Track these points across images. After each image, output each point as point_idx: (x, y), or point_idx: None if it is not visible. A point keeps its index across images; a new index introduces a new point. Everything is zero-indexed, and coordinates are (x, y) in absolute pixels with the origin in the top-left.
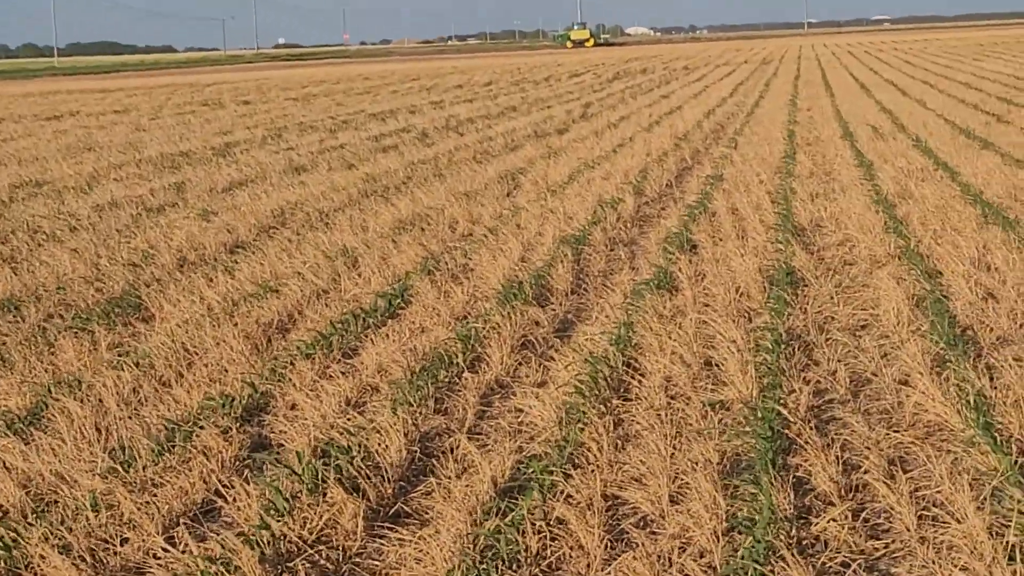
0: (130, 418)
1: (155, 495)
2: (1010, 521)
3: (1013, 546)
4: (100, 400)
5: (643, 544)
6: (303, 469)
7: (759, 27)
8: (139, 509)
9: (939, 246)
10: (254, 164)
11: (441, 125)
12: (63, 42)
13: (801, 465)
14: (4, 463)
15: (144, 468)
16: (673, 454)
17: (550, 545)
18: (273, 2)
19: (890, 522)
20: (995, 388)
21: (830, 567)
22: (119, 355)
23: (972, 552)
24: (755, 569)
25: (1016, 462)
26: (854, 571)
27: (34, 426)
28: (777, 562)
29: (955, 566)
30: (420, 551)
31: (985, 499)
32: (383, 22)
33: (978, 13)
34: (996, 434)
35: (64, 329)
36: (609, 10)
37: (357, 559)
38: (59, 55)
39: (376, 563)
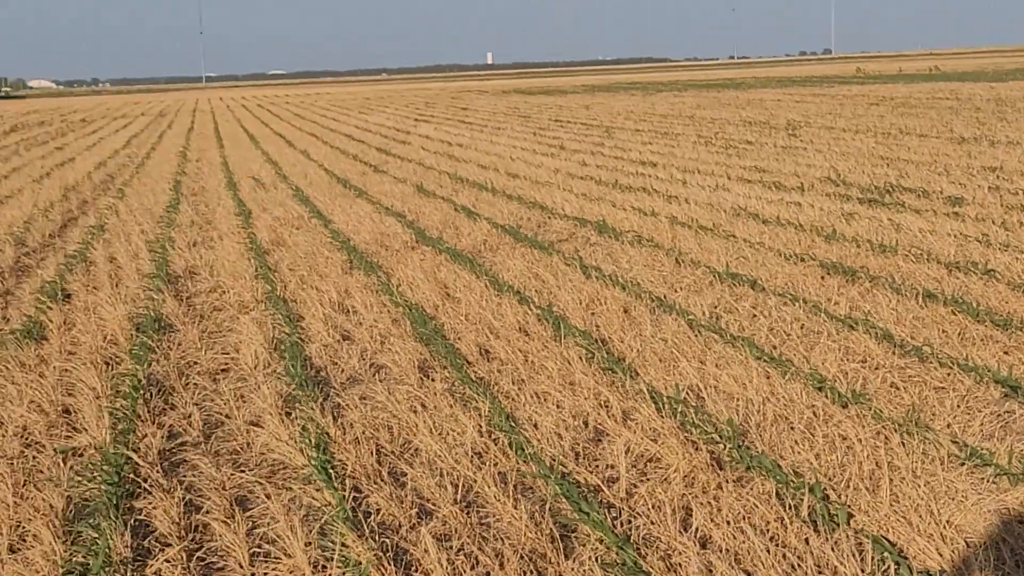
0: None
1: None
2: (333, 554)
3: None
4: None
5: None
6: None
7: (161, 81)
8: None
9: (303, 291)
10: None
11: None
12: None
13: (145, 508)
14: None
15: None
16: (17, 503)
17: None
18: None
19: (224, 560)
20: (338, 427)
21: None
22: None
23: None
24: None
25: (348, 497)
26: None
27: None
28: None
29: None
30: None
31: (315, 534)
32: None
33: (368, 68)
34: (332, 471)
35: None
36: (11, 62)
37: None
38: None
39: None
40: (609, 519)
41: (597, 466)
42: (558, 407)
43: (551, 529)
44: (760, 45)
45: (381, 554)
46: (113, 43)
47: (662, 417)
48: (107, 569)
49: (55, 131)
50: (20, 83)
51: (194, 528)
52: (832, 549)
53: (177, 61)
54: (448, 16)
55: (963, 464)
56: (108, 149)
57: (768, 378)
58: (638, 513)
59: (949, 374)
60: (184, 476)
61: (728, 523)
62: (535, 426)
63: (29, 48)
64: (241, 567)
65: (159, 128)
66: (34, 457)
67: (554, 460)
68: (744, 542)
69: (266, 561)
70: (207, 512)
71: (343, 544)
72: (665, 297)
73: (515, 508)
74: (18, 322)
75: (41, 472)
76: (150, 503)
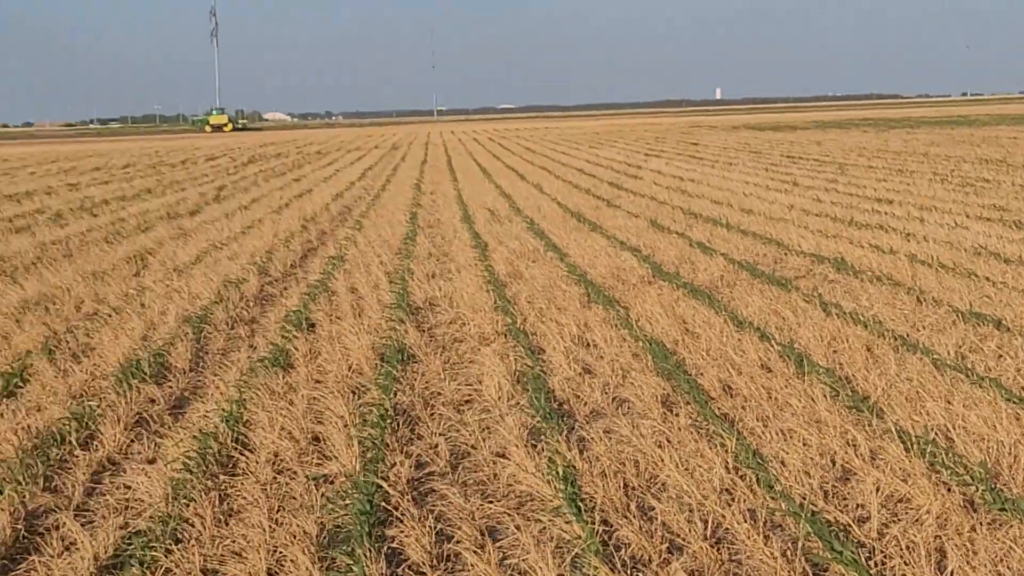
0: None
1: None
2: None
3: None
4: None
5: None
6: None
7: (392, 114)
8: None
9: (543, 324)
10: None
11: (76, 206)
12: None
13: (397, 536)
14: None
15: None
16: (274, 528)
17: None
18: None
19: None
20: (584, 459)
21: None
22: None
23: None
24: None
25: (598, 530)
26: None
27: None
28: None
29: None
30: None
31: (567, 566)
32: (26, 104)
33: (598, 103)
34: (581, 504)
35: None
36: (248, 95)
37: None
38: None
39: None
40: (862, 559)
41: (847, 505)
42: (804, 445)
43: (804, 568)
44: (992, 82)
45: None
46: (346, 77)
47: (911, 457)
48: None
49: (291, 163)
50: (256, 116)
51: (446, 557)
52: None
53: (409, 95)
54: (677, 51)
55: None
56: (344, 181)
57: (1018, 419)
58: (891, 554)
59: None
60: (434, 505)
61: (985, 566)
62: (782, 463)
63: (265, 82)
64: None
65: (393, 161)
66: (287, 483)
67: (803, 498)
68: None
69: None
70: (458, 542)
71: None
72: (908, 336)
73: (766, 545)
74: (265, 350)
75: (294, 498)
76: (401, 531)
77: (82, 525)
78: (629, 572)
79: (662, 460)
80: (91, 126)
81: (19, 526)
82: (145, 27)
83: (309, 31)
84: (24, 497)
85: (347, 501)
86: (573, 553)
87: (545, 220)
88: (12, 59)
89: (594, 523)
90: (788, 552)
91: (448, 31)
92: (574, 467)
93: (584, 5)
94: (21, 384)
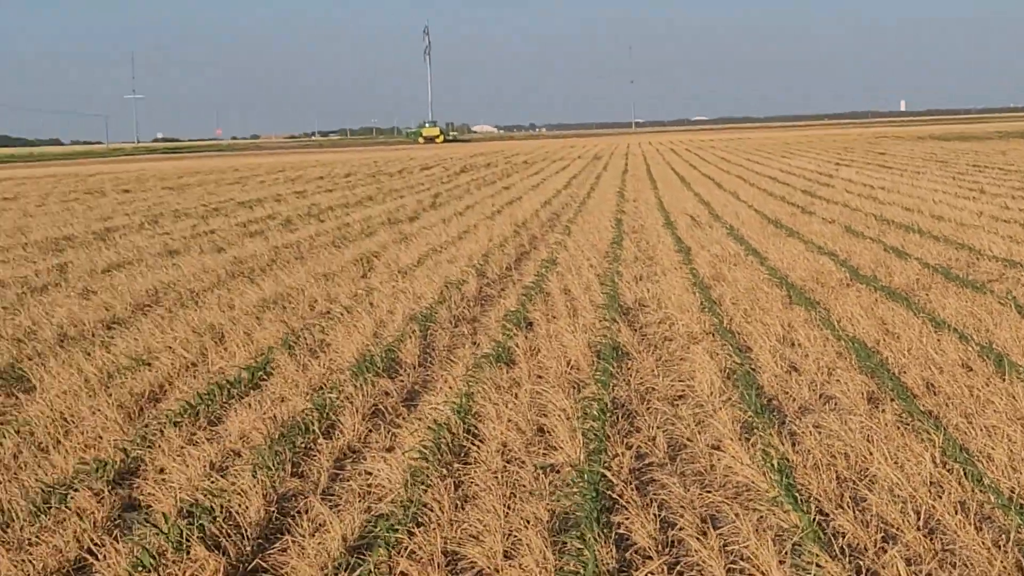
0: (9, 481)
1: (30, 553)
2: (809, 573)
3: None
4: None
5: None
6: (169, 528)
7: (591, 126)
8: (15, 567)
9: (749, 324)
10: (132, 248)
11: (304, 212)
12: None
13: (622, 523)
14: None
15: (21, 528)
16: (507, 513)
17: None
18: (153, 99)
19: (702, 575)
20: (797, 452)
21: None
22: (1, 424)
23: None
24: None
25: (814, 520)
26: None
27: None
28: None
29: None
30: None
31: (787, 554)
32: (253, 118)
33: (786, 115)
34: (797, 494)
35: None
36: (457, 109)
37: None
38: None
39: None
40: None
41: None
42: (1009, 441)
43: (1016, 558)
44: None
45: (854, 575)
46: (549, 91)
47: None
48: None
49: (500, 172)
50: (465, 128)
51: (670, 543)
52: None
53: (609, 107)
54: (863, 64)
55: None
56: (551, 189)
57: None
58: None
59: None
60: (656, 494)
61: None
62: (988, 458)
63: (473, 96)
64: None
65: (595, 170)
66: (516, 472)
67: (1012, 492)
68: None
69: None
70: (681, 529)
71: (817, 564)
72: None
73: (978, 535)
74: (488, 347)
75: (523, 486)
76: (627, 518)
77: (329, 508)
78: (847, 559)
79: (871, 454)
80: (312, 138)
81: (272, 508)
82: (363, 46)
83: (515, 47)
84: (275, 482)
85: (573, 489)
86: (792, 541)
87: (743, 226)
88: (241, 78)
89: (810, 512)
90: (1000, 543)
91: (645, 47)
92: (787, 459)
93: (769, 20)
94: (265, 377)
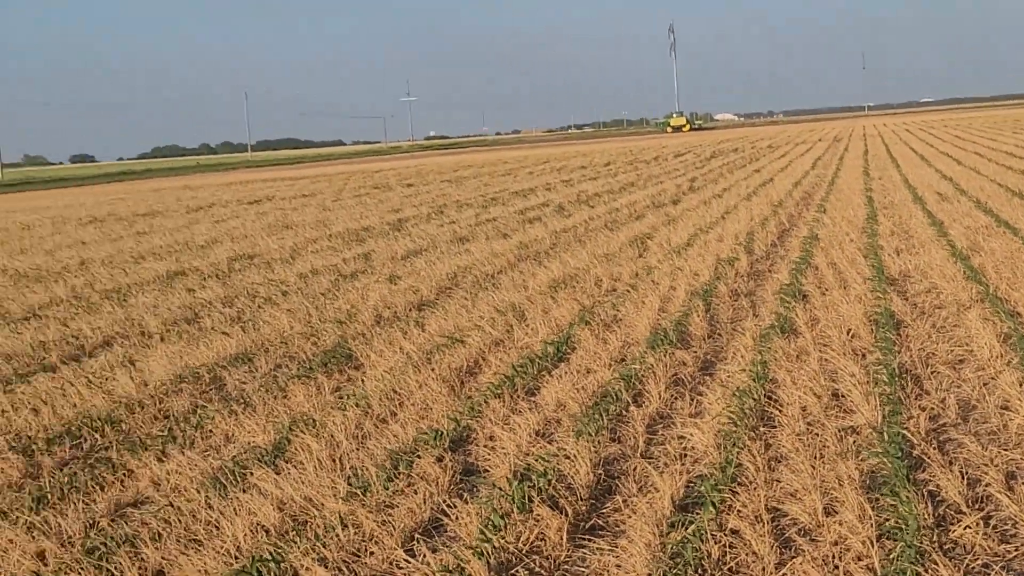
0: (357, 450)
1: (389, 515)
2: None
3: None
4: (331, 435)
5: (807, 550)
6: (513, 490)
7: (825, 111)
8: (379, 527)
9: (1015, 291)
10: (424, 236)
11: (573, 199)
12: (254, 139)
13: (929, 480)
14: (261, 490)
15: (377, 492)
16: (818, 472)
17: (728, 552)
18: (425, 101)
19: (1016, 528)
20: None
21: (973, 568)
22: (340, 398)
23: None
24: (912, 570)
25: None
26: (996, 572)
27: (280, 458)
28: (929, 564)
29: None
30: (618, 559)
31: None
32: (514, 115)
33: (1013, 93)
34: None
35: (292, 376)
36: (700, 99)
37: (565, 566)
38: (251, 150)
39: (582, 569)
40: None
41: None
42: None
43: None
44: None
45: None
46: (786, 78)
47: None
48: (918, 533)
49: (748, 156)
50: (708, 116)
51: (978, 498)
52: None
53: (841, 91)
54: None
55: None
56: (798, 171)
57: None
58: None
59: None
60: (955, 453)
61: None
62: None
63: (715, 86)
64: None
65: (837, 151)
66: (818, 434)
67: None
68: None
69: None
70: (987, 484)
71: None
72: None
73: None
74: (769, 318)
75: (827, 447)
76: (932, 475)
77: (654, 470)
78: None
79: None
80: (569, 131)
81: (599, 471)
82: (613, 44)
83: (753, 37)
84: (596, 447)
85: (877, 449)
86: None
87: (990, 199)
88: (503, 78)
89: None
90: None
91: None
92: None
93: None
94: (569, 351)
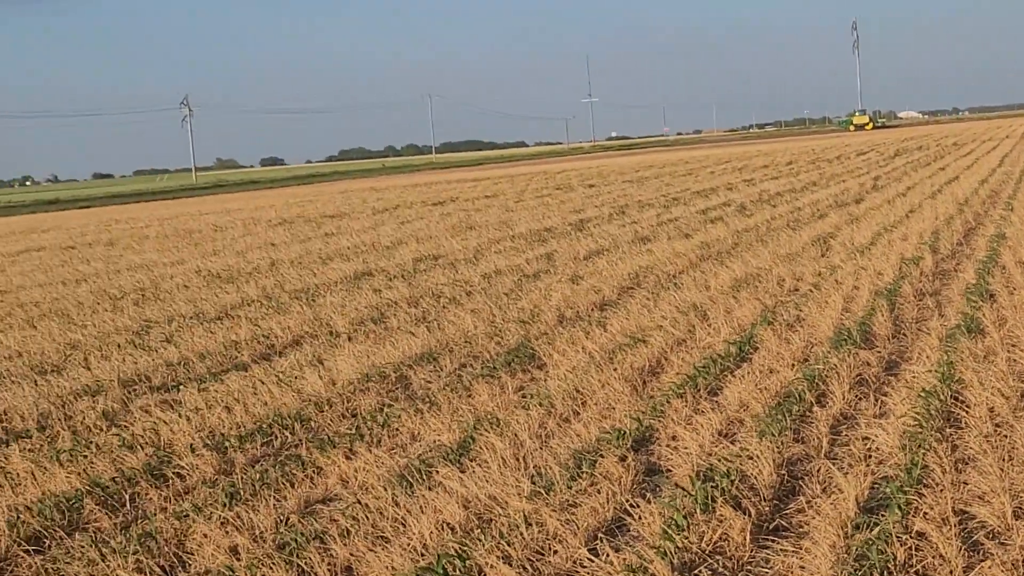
0: (541, 449)
1: (573, 513)
2: None
3: None
4: (515, 435)
5: (996, 554)
6: (695, 490)
7: (1014, 107)
8: (562, 525)
9: None
10: (606, 236)
11: (755, 199)
12: (438, 141)
13: None
14: (446, 488)
15: (560, 491)
16: (1007, 475)
17: (914, 554)
18: (606, 102)
19: None
20: None
21: None
22: (523, 397)
23: None
24: None
25: None
26: None
27: (465, 456)
28: None
29: None
30: (802, 560)
31: None
32: (695, 114)
33: None
34: None
35: (476, 376)
36: (883, 97)
37: (749, 567)
38: (435, 152)
39: (765, 570)
40: None
41: None
42: None
43: None
44: None
45: None
46: (972, 74)
47: None
48: None
49: (933, 154)
50: (891, 114)
51: None
52: None
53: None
54: None
55: None
56: (985, 168)
57: None
58: None
59: None
60: None
61: None
62: None
63: (899, 84)
64: None
65: None
66: (1006, 436)
67: None
68: None
69: None
70: None
71: None
72: None
73: None
74: (955, 318)
75: (1016, 449)
76: None
77: (838, 471)
78: None
79: None
80: (750, 130)
81: (782, 472)
82: (794, 42)
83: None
84: (779, 447)
85: None
86: None
87: None
88: (683, 78)
89: None
90: None
91: None
92: None
93: None
94: (751, 351)
